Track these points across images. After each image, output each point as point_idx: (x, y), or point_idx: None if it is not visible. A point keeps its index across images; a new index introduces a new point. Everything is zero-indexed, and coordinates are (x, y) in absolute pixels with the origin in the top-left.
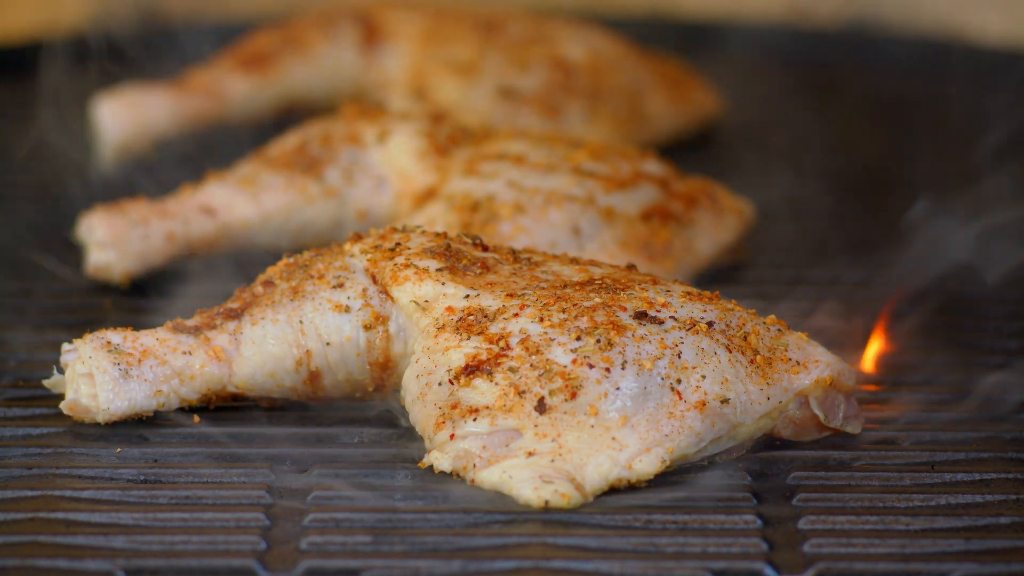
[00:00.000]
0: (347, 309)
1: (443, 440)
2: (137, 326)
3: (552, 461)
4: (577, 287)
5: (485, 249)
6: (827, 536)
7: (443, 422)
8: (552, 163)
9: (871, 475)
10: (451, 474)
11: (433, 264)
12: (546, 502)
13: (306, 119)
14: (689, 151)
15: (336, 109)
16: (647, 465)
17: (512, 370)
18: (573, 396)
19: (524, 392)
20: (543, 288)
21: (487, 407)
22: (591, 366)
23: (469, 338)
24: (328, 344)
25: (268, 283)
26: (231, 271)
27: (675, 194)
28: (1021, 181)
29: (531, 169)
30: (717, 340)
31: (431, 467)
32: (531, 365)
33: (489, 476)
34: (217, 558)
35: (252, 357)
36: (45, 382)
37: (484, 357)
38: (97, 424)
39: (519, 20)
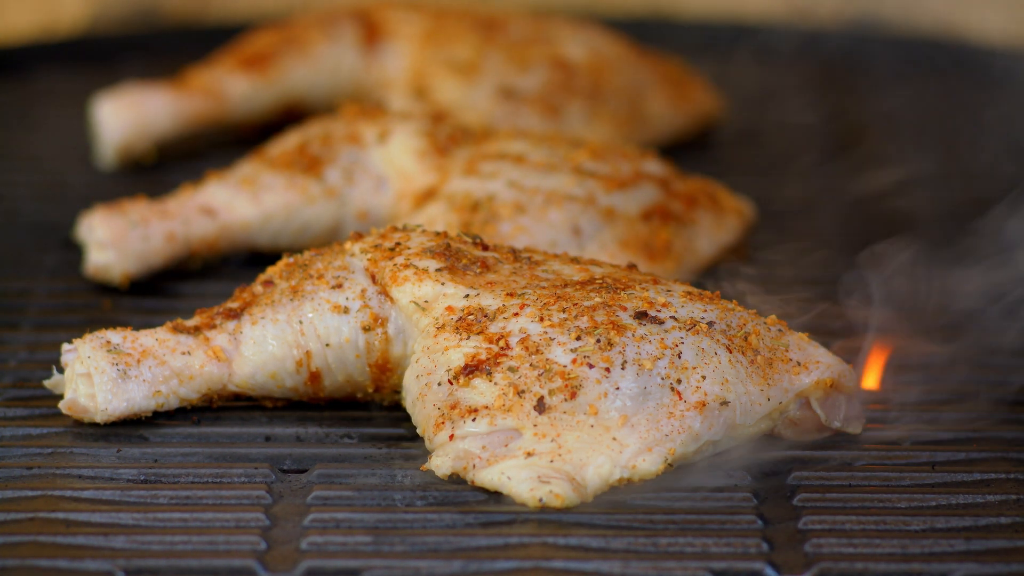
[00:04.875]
0: (346, 310)
1: (443, 441)
2: (137, 326)
3: (551, 461)
4: (577, 286)
5: (485, 248)
6: (827, 536)
7: (443, 422)
8: (552, 163)
9: (871, 475)
10: (451, 475)
11: (433, 264)
12: (540, 500)
13: (306, 119)
14: (689, 151)
15: (336, 109)
16: (649, 464)
17: (512, 370)
18: (573, 396)
19: (523, 392)
20: (543, 287)
21: (486, 407)
22: (591, 366)
23: (469, 338)
24: (327, 345)
25: (268, 283)
26: (231, 271)
27: (675, 194)
28: (1020, 180)
29: (531, 169)
30: (717, 340)
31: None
32: (531, 365)
33: (488, 476)
34: (217, 558)
35: (252, 357)
36: (45, 382)
37: (483, 357)
38: (97, 424)
39: (519, 20)
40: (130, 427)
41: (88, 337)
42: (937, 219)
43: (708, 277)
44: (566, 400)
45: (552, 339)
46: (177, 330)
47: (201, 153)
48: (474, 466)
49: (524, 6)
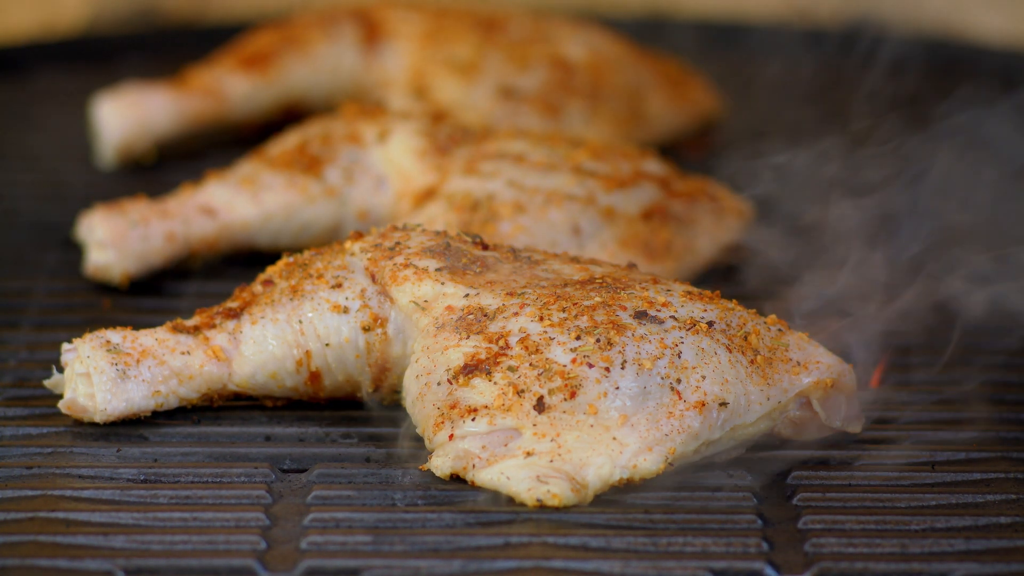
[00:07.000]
0: (345, 310)
1: (443, 440)
2: (137, 326)
3: (551, 461)
4: (577, 286)
5: (485, 248)
6: (827, 536)
7: (442, 422)
8: (552, 162)
9: (871, 475)
10: (451, 475)
11: (432, 264)
12: (538, 500)
13: (306, 119)
14: (689, 151)
15: (336, 109)
16: (649, 464)
17: (511, 369)
18: (572, 395)
19: (523, 391)
20: (543, 287)
21: (486, 407)
22: (591, 365)
23: (468, 337)
24: (327, 345)
25: (268, 282)
26: (231, 271)
27: (675, 193)
28: (1018, 179)
29: (531, 168)
30: (717, 340)
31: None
32: (530, 364)
33: (487, 476)
34: (217, 558)
35: (252, 357)
36: (45, 382)
37: (483, 356)
38: (97, 424)
39: (519, 20)
40: (130, 427)
41: (88, 337)
42: (937, 219)
43: (708, 277)
44: (566, 400)
45: (552, 338)
46: (177, 330)
47: (201, 153)
48: (474, 466)
49: (524, 6)
